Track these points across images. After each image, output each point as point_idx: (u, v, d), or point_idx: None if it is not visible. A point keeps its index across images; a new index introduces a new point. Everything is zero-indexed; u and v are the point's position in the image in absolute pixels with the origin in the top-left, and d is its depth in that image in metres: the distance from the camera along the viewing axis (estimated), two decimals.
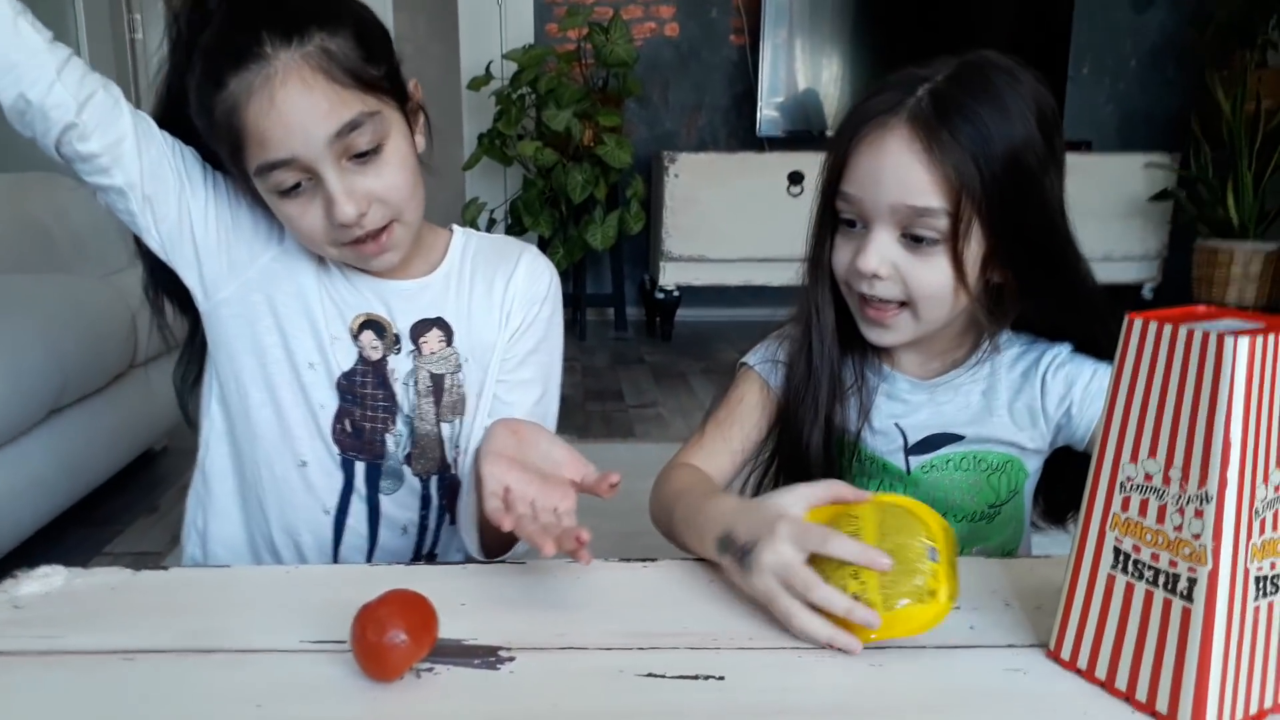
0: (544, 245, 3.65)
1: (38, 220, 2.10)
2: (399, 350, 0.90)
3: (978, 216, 0.80)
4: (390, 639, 0.58)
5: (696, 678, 0.61)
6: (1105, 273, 3.71)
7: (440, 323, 0.91)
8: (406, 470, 0.92)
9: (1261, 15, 3.63)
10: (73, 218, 2.14)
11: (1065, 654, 0.62)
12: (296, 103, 0.76)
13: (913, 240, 0.81)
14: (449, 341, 0.91)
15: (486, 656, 0.63)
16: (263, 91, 0.76)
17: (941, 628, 0.66)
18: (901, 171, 0.79)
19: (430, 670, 0.61)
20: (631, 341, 3.78)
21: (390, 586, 0.72)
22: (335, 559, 0.92)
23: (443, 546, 0.96)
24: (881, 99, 0.83)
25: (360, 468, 0.91)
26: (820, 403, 0.91)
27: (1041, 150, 0.82)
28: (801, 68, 3.80)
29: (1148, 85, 4.05)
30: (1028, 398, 0.90)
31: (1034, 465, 0.93)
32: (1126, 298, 3.84)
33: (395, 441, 0.91)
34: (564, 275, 3.80)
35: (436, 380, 0.91)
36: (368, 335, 0.89)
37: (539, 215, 3.55)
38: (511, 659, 0.63)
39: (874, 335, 0.88)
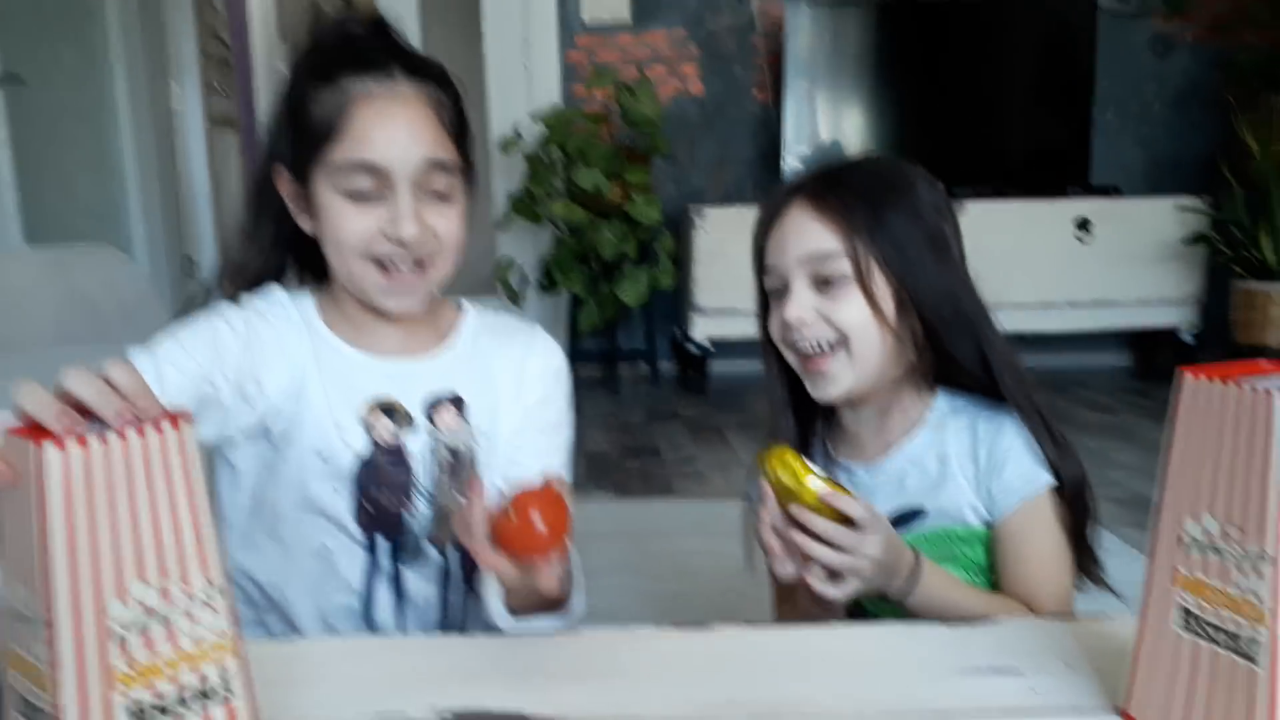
0: (577, 303, 3.69)
1: (85, 292, 2.16)
2: (413, 428, 0.91)
3: (874, 256, 0.89)
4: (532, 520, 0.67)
5: None
6: (1140, 317, 3.73)
7: (455, 399, 0.93)
8: (429, 548, 0.93)
9: None
10: (120, 289, 2.20)
11: (1137, 714, 0.61)
12: (411, 122, 0.86)
13: (823, 283, 0.90)
14: (461, 414, 0.93)
15: None
16: (384, 100, 0.85)
17: (1004, 692, 0.66)
18: (800, 228, 0.92)
19: None
20: (666, 396, 3.78)
21: (446, 657, 0.73)
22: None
23: (469, 624, 0.96)
24: (782, 190, 0.96)
25: (383, 545, 0.92)
26: None
27: (921, 212, 0.92)
28: (824, 120, 3.84)
29: (1173, 129, 4.05)
30: (974, 467, 0.92)
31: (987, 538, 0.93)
32: (1163, 341, 3.80)
33: (414, 519, 0.92)
34: (597, 332, 3.83)
35: (455, 454, 0.92)
36: (381, 421, 0.90)
37: (571, 273, 3.59)
38: None
39: (820, 389, 0.94)
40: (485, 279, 4.05)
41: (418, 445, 0.91)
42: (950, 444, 0.93)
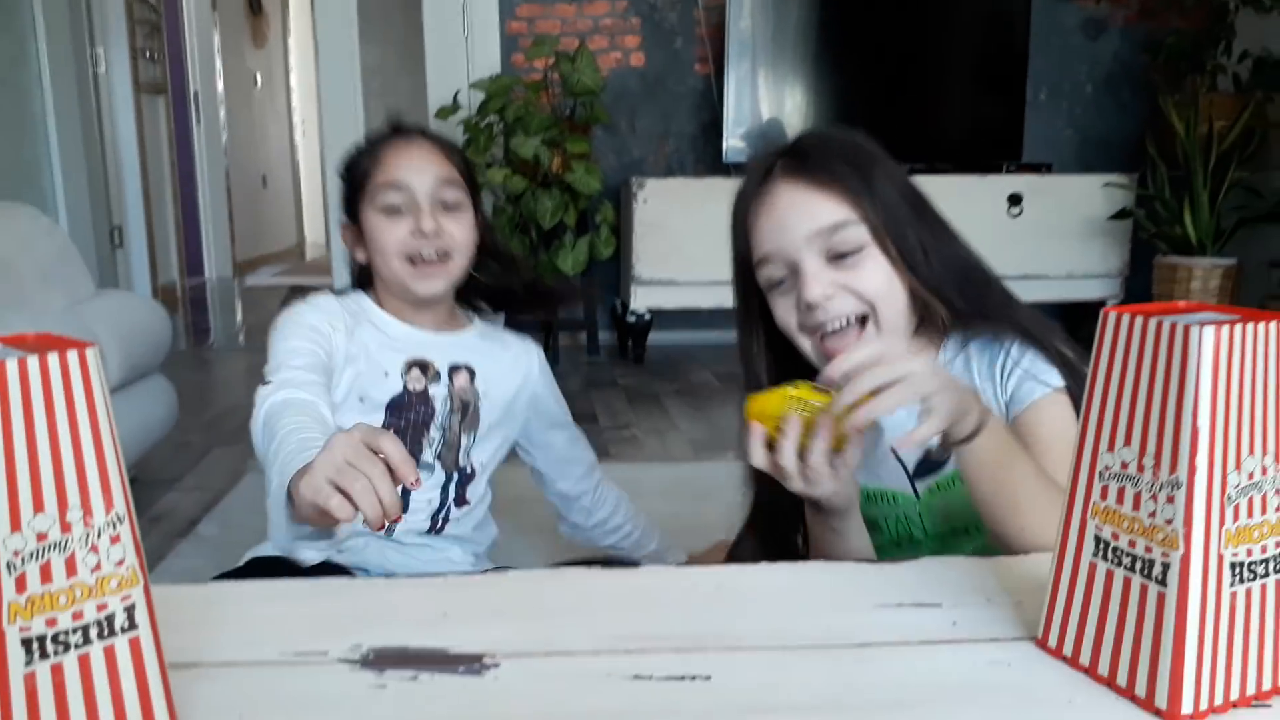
0: None
1: (2, 250, 2.07)
2: (438, 381, 1.23)
3: (880, 221, 0.87)
4: None
5: (684, 678, 0.60)
6: (1069, 290, 3.81)
7: (467, 369, 1.26)
8: (437, 464, 1.23)
9: (1210, 42, 3.74)
10: (37, 248, 2.12)
11: (1052, 642, 0.62)
12: (423, 155, 1.22)
13: (837, 257, 0.87)
14: (472, 381, 1.26)
15: (470, 664, 0.62)
16: (403, 146, 1.22)
17: (925, 624, 0.67)
18: (799, 205, 0.88)
19: (413, 679, 0.61)
20: (604, 365, 3.78)
21: (368, 599, 0.72)
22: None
23: (449, 526, 1.25)
24: (750, 180, 0.92)
25: None
26: None
27: (899, 177, 0.91)
28: (765, 97, 3.85)
29: (1104, 109, 4.15)
30: (993, 388, 0.92)
31: None
32: (1090, 314, 3.90)
33: (429, 443, 1.22)
34: None
35: (464, 404, 1.24)
36: (414, 373, 1.22)
37: (509, 241, 3.55)
38: (496, 665, 0.62)
39: None
40: None
41: (440, 395, 1.23)
42: (971, 373, 0.92)
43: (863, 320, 0.88)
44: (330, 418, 1.01)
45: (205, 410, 3.09)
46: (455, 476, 1.25)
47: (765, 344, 0.95)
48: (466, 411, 1.25)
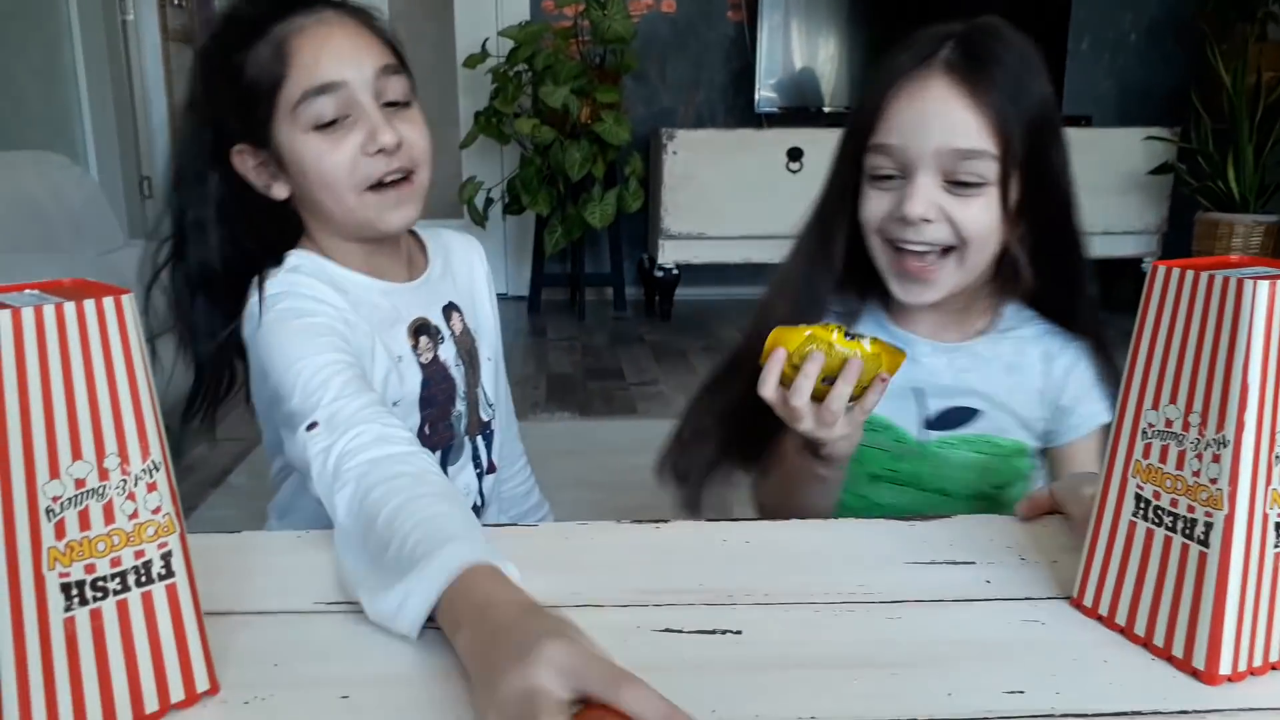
0: (542, 224, 3.64)
1: (33, 198, 2.08)
2: (443, 340, 0.97)
3: (1017, 157, 0.82)
4: None
5: (714, 632, 0.60)
6: (1104, 246, 3.74)
7: (454, 306, 1.00)
8: (466, 439, 1.00)
9: None
10: (68, 196, 2.13)
11: (1088, 601, 0.62)
12: (348, 37, 0.85)
13: (957, 185, 0.82)
14: (464, 320, 1.01)
15: None
16: (316, 28, 0.84)
17: (958, 583, 0.66)
18: (947, 116, 0.82)
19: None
20: (631, 320, 3.77)
21: None
22: None
23: (488, 499, 1.04)
24: (908, 55, 0.85)
25: (437, 454, 0.97)
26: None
27: (1055, 103, 0.85)
28: (798, 46, 3.78)
29: (1147, 59, 4.04)
30: (1043, 381, 0.91)
31: (1033, 453, 0.93)
32: (1126, 271, 3.83)
33: (458, 419, 0.99)
34: (562, 254, 3.79)
35: (469, 353, 1.00)
36: (422, 341, 0.95)
37: (537, 193, 3.53)
38: None
39: (913, 293, 0.87)
40: (450, 201, 3.98)
41: (449, 355, 0.97)
42: (1026, 359, 0.91)
43: (946, 251, 0.85)
44: (437, 469, 0.73)
45: None
46: (481, 440, 1.03)
47: (847, 233, 0.90)
48: (473, 361, 1.01)
